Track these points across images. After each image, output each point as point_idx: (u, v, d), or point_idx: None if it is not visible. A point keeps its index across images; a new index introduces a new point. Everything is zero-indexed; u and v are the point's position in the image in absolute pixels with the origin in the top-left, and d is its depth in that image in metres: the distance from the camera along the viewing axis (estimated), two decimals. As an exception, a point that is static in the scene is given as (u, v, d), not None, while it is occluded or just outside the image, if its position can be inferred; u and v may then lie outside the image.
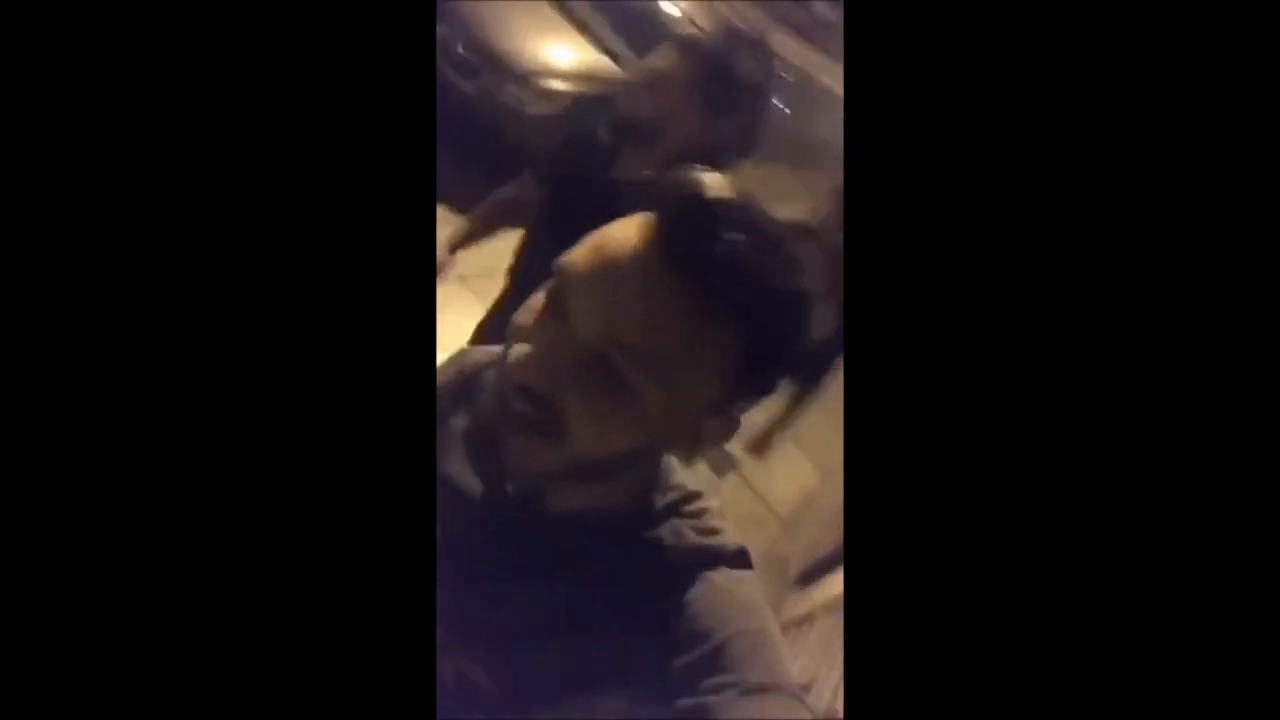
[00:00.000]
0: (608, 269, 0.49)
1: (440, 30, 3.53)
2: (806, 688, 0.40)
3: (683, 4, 4.58)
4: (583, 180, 1.36)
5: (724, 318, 0.48)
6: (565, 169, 1.49)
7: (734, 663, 0.50)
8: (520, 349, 0.50)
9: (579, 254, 0.50)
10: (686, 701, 0.49)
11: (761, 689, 0.49)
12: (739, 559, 0.57)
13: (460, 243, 1.69)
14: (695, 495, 0.60)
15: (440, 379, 0.71)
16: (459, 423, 0.66)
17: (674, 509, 0.58)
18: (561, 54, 3.84)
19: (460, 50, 3.60)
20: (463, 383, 0.69)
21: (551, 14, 4.06)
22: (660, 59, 1.35)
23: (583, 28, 4.06)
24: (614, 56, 4.01)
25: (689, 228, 0.48)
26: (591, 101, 1.63)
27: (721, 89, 1.30)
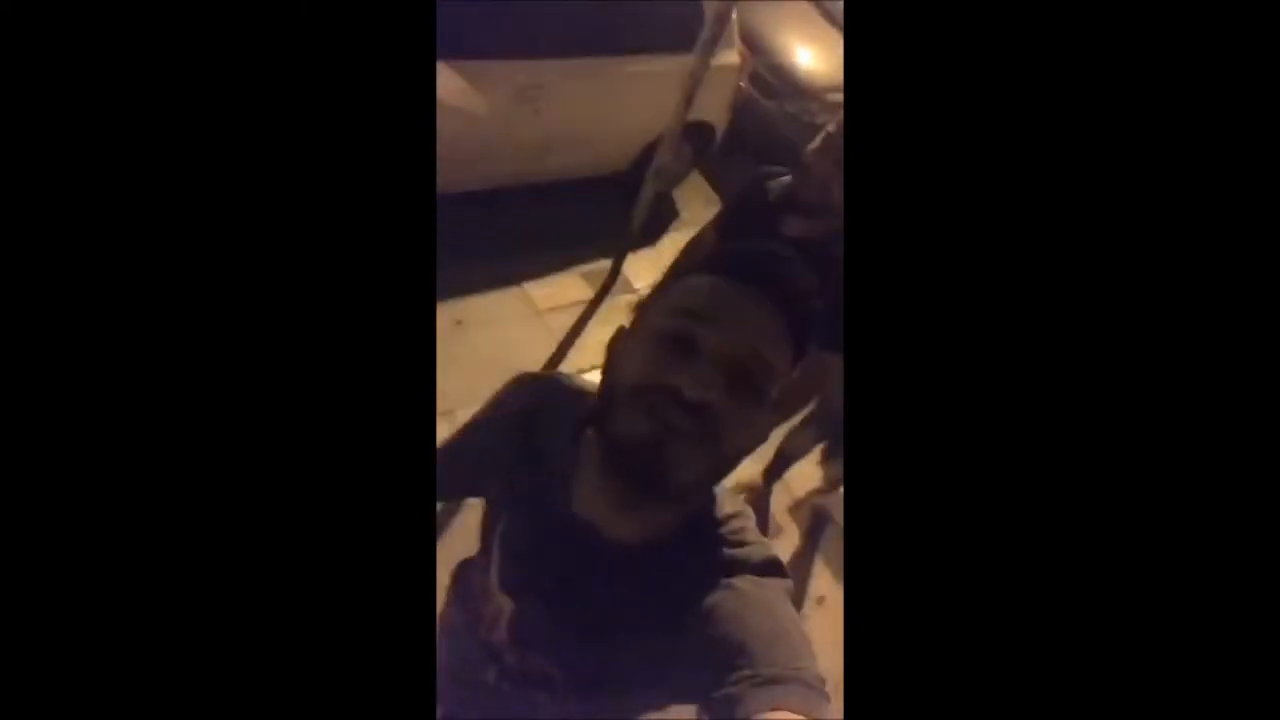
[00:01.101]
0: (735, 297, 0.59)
1: (751, 60, 4.83)
2: (824, 679, 0.53)
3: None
4: (752, 232, 1.45)
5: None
6: (742, 220, 1.60)
7: (752, 659, 0.55)
8: (694, 372, 0.55)
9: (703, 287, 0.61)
10: (710, 695, 0.55)
11: (777, 680, 0.53)
12: (769, 567, 0.63)
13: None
14: (733, 515, 0.67)
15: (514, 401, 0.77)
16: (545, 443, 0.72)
17: (713, 529, 0.66)
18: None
19: (765, 75, 4.91)
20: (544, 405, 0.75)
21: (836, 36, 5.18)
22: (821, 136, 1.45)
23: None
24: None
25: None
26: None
27: None
